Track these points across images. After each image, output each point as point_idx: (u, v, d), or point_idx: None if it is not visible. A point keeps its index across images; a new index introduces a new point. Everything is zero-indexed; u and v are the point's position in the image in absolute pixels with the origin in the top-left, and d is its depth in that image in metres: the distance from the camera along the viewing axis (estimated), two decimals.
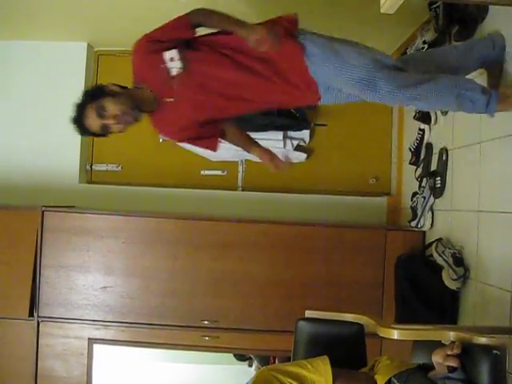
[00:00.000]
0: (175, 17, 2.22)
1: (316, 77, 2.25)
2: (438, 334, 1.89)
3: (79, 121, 2.24)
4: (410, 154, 3.52)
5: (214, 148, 2.57)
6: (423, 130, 3.40)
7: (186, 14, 2.22)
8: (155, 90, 2.29)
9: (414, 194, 3.45)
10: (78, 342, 3.41)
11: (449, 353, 1.73)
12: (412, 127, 3.62)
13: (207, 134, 2.52)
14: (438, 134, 3.27)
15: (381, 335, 1.97)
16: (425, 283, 3.17)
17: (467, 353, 1.77)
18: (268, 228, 3.41)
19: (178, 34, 2.22)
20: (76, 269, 3.41)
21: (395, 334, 1.90)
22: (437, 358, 1.76)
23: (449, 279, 3.00)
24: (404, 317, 3.07)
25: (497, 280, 2.54)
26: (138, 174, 4.14)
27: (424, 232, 3.43)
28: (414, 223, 3.41)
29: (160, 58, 2.20)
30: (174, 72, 2.22)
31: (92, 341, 3.40)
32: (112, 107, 2.20)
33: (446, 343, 1.87)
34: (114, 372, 3.71)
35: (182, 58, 2.20)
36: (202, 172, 4.15)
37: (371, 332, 2.12)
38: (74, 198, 3.90)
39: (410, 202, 3.48)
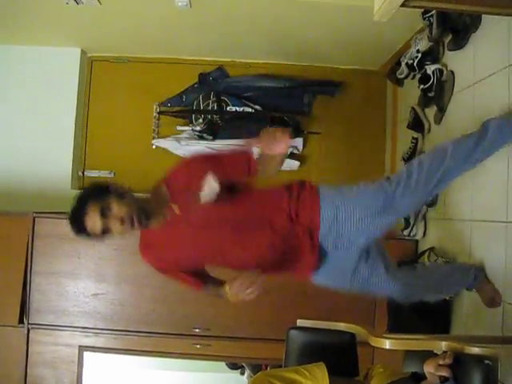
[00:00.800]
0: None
1: None
2: (430, 344, 1.88)
3: (78, 217, 2.08)
4: (404, 163, 3.52)
5: (197, 288, 2.29)
6: (416, 139, 3.40)
7: None
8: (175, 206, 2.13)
9: None
10: (68, 350, 3.38)
11: (441, 363, 1.73)
12: (405, 136, 3.62)
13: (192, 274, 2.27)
14: (431, 143, 3.27)
15: (372, 345, 1.96)
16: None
17: (459, 362, 1.77)
18: None
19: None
20: (67, 275, 3.38)
21: (387, 344, 1.89)
22: (428, 368, 1.75)
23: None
24: (396, 326, 3.06)
25: None
26: (131, 180, 4.05)
27: (417, 241, 3.43)
28: (406, 232, 3.41)
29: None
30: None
31: (82, 348, 3.38)
32: (119, 208, 2.01)
33: (438, 353, 1.86)
34: (104, 380, 3.67)
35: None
36: None
37: (363, 341, 2.10)
38: (66, 204, 3.85)
39: None
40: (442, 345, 1.85)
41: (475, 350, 1.79)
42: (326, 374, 1.90)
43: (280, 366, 2.33)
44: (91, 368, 3.46)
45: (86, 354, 3.39)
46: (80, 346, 3.37)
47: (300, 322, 2.20)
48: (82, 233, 2.09)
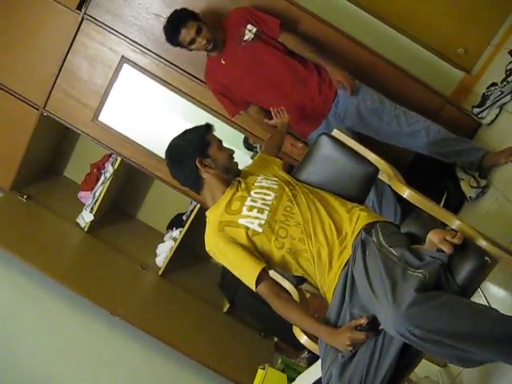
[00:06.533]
0: (273, 15, 3.03)
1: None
2: (445, 215, 1.85)
3: (177, 26, 2.89)
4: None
5: (231, 114, 3.19)
6: None
7: (281, 25, 2.98)
8: (226, 42, 2.99)
9: (493, 84, 3.19)
10: (111, 54, 3.36)
11: (447, 238, 1.69)
12: None
13: (233, 101, 3.11)
14: None
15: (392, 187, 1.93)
16: (438, 180, 3.18)
17: (460, 245, 1.74)
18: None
19: (266, 28, 2.99)
20: None
21: (406, 193, 1.85)
22: (433, 237, 1.72)
23: (467, 185, 3.00)
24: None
25: None
26: None
27: (480, 124, 3.25)
28: (476, 110, 3.20)
29: (246, 24, 2.97)
30: (245, 37, 2.95)
31: (125, 59, 3.34)
32: (207, 32, 2.91)
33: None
34: (129, 100, 3.69)
35: (255, 37, 2.94)
36: None
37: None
38: None
39: (485, 90, 3.23)
40: (456, 222, 1.81)
41: (483, 243, 1.76)
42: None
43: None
44: (123, 82, 3.47)
45: (125, 67, 3.37)
46: (123, 56, 3.33)
47: (336, 133, 2.13)
48: (173, 38, 2.94)
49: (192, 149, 2.08)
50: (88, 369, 3.20)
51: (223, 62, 2.99)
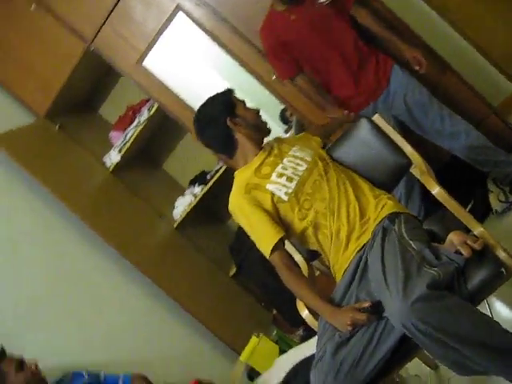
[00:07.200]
0: None
1: None
2: (469, 220, 1.83)
3: None
4: None
5: (283, 76, 3.07)
6: None
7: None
8: None
9: None
10: (167, 0, 3.34)
11: (468, 242, 1.68)
12: None
13: (288, 61, 2.96)
14: None
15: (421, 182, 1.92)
16: (467, 188, 3.14)
17: (478, 252, 1.72)
18: None
19: None
20: None
21: (436, 190, 1.84)
22: (454, 238, 1.71)
23: (496, 198, 3.00)
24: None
25: None
26: None
27: None
28: None
29: None
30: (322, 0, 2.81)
31: (180, 8, 3.29)
32: None
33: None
34: (176, 48, 3.67)
35: (330, 3, 2.79)
36: None
37: None
38: None
39: None
40: (479, 228, 1.80)
41: (502, 254, 1.75)
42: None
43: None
44: (173, 30, 3.45)
45: (179, 15, 3.32)
46: (179, 5, 3.27)
47: (377, 119, 2.11)
48: None
49: (221, 110, 2.13)
50: (84, 300, 3.25)
51: (293, 18, 2.84)
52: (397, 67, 2.92)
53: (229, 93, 2.19)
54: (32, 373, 2.27)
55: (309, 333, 3.09)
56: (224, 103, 2.15)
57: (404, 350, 1.74)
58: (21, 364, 2.29)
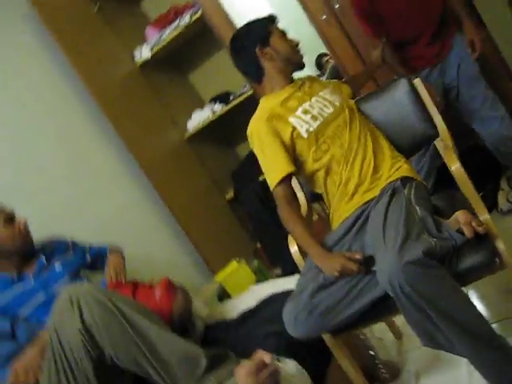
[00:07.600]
0: None
1: None
2: (479, 204, 1.83)
3: None
4: None
5: (372, 34, 2.88)
6: None
7: None
8: None
9: None
10: None
11: (473, 224, 1.68)
12: None
13: (376, 26, 2.83)
14: None
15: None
16: (479, 179, 3.09)
17: (479, 237, 1.73)
18: None
19: None
20: None
21: (456, 166, 1.83)
22: (461, 217, 1.71)
23: (504, 197, 3.01)
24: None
25: None
26: None
27: None
28: None
29: None
30: None
31: None
32: None
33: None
34: None
35: None
36: None
37: None
38: None
39: None
40: (485, 215, 1.80)
41: (501, 245, 1.76)
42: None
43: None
44: None
45: None
46: None
47: (417, 82, 2.06)
48: None
49: (253, 37, 2.10)
50: (82, 178, 3.30)
51: None
52: (458, 37, 2.84)
53: (267, 21, 2.15)
54: (19, 230, 2.25)
55: (285, 274, 3.16)
56: (257, 31, 2.12)
57: (381, 309, 1.76)
58: (11, 218, 2.28)
